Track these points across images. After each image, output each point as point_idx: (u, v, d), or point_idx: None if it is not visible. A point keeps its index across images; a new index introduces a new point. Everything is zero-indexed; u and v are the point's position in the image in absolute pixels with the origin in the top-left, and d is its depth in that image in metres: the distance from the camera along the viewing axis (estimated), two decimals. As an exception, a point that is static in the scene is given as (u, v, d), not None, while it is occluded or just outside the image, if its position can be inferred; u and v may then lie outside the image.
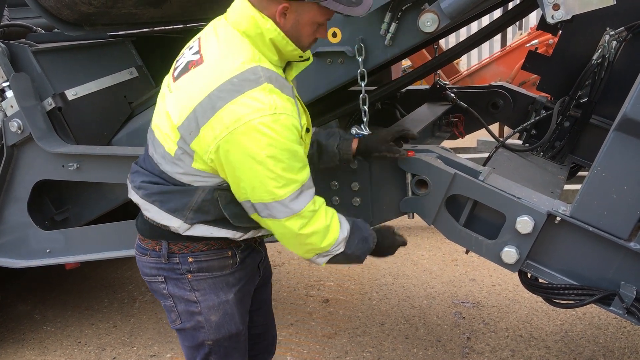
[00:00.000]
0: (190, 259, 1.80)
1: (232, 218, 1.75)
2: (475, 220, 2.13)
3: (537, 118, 2.86)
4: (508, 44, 7.02)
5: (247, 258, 1.91)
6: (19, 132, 2.67)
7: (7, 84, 2.63)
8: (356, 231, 1.83)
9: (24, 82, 2.66)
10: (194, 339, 1.88)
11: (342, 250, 1.78)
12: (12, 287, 4.01)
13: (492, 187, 2.02)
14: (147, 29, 3.36)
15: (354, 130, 2.16)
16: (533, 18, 7.97)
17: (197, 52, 1.70)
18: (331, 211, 1.77)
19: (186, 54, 1.75)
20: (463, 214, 2.11)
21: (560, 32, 2.83)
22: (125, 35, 3.22)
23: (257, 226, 1.79)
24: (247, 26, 1.64)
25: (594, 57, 2.54)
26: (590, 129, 2.72)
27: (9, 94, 2.64)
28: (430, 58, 3.96)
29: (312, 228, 1.70)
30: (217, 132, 1.57)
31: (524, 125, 2.88)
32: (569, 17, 1.82)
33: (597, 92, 2.60)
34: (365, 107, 2.27)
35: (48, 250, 2.87)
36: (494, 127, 3.28)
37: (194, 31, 1.91)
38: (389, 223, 2.14)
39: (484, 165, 2.31)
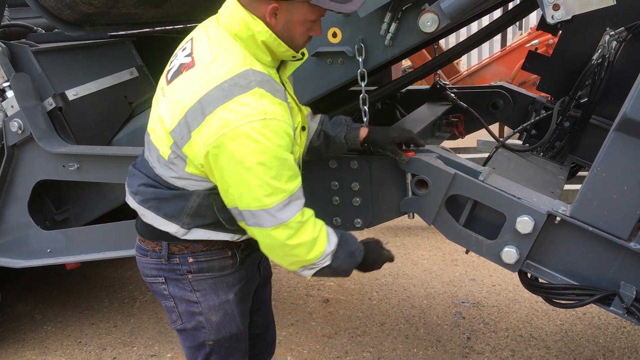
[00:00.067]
0: (191, 260, 1.80)
1: (227, 222, 1.75)
2: (475, 220, 2.13)
3: (537, 118, 2.86)
4: (508, 44, 7.01)
5: (247, 258, 1.91)
6: (20, 132, 2.67)
7: (8, 84, 2.64)
8: (344, 244, 1.80)
9: (25, 82, 2.66)
10: (195, 339, 1.89)
11: (328, 263, 1.76)
12: (12, 287, 4.01)
13: (492, 187, 2.02)
14: (147, 29, 3.37)
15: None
16: (533, 18, 7.97)
17: (189, 55, 1.69)
18: (320, 223, 1.75)
19: (179, 56, 1.74)
20: (463, 214, 2.11)
21: (560, 32, 2.83)
22: (125, 35, 3.22)
23: None
24: (239, 28, 1.63)
25: (594, 57, 2.54)
26: (590, 129, 2.72)
27: (10, 94, 2.64)
28: (430, 58, 3.96)
29: (298, 239, 1.68)
30: (206, 138, 1.56)
31: (524, 125, 2.88)
32: (569, 17, 1.82)
33: (597, 92, 2.59)
34: (366, 107, 2.27)
35: (48, 250, 2.87)
36: (494, 127, 3.28)
37: (194, 31, 1.91)
38: (389, 223, 2.14)
39: (484, 165, 2.32)
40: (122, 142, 2.89)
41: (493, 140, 3.12)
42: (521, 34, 7.47)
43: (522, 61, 3.00)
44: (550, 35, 5.49)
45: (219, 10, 1.71)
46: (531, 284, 2.10)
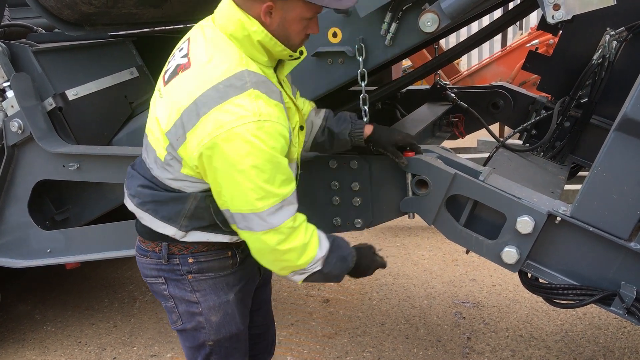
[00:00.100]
0: (191, 260, 1.80)
1: (223, 224, 1.74)
2: (476, 221, 2.13)
3: (537, 118, 2.86)
4: (508, 44, 7.02)
5: (247, 258, 1.90)
6: (20, 132, 2.67)
7: (8, 84, 2.64)
8: (335, 250, 1.79)
9: (25, 82, 2.66)
10: (195, 339, 1.88)
11: (319, 268, 1.75)
12: (12, 287, 4.01)
13: (493, 187, 2.02)
14: (147, 29, 3.37)
15: None
16: (533, 18, 7.98)
17: (186, 55, 1.68)
18: (311, 229, 1.74)
19: (176, 56, 1.73)
20: (463, 214, 2.11)
21: (561, 32, 2.83)
22: (125, 35, 3.22)
23: None
24: (234, 29, 1.62)
25: (594, 57, 2.54)
26: (591, 129, 2.72)
27: (10, 93, 2.64)
28: (430, 58, 3.97)
29: (289, 245, 1.67)
30: (200, 139, 1.56)
31: (525, 125, 2.88)
32: (569, 17, 1.82)
33: (598, 92, 2.60)
34: (366, 107, 2.27)
35: (48, 250, 2.87)
36: (494, 127, 3.28)
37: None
38: (389, 223, 2.14)
39: (484, 165, 2.32)
40: (122, 142, 2.89)
41: (493, 140, 3.13)
42: (521, 34, 7.47)
43: (523, 61, 3.01)
44: (550, 35, 5.49)
45: (215, 11, 1.71)
46: (531, 284, 2.10)
